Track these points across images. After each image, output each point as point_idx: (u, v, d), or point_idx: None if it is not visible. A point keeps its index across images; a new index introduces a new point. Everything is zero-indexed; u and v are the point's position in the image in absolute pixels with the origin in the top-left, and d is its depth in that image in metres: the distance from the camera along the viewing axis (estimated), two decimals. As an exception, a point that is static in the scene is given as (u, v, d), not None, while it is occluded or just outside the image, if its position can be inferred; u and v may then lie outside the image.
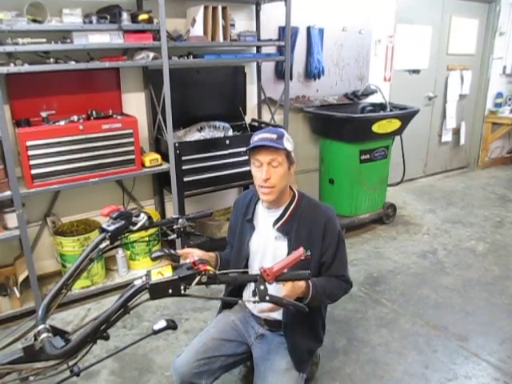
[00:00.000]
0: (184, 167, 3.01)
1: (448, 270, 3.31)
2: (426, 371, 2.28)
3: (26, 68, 2.39)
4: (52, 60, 2.50)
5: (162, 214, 3.46)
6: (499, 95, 5.86)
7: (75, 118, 2.70)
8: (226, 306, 2.01)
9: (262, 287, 1.19)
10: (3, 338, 1.14)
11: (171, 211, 3.23)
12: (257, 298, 1.19)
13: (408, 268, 3.36)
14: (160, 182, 3.37)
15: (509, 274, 3.24)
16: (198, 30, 2.96)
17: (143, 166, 2.92)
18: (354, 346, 2.47)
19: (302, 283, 1.56)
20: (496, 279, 3.17)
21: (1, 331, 2.57)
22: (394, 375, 2.25)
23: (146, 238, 2.94)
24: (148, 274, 1.14)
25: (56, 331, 1.07)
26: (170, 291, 1.13)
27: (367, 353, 2.42)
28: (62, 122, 2.63)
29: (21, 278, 2.66)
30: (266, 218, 1.81)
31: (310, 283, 1.60)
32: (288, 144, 1.68)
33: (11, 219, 2.55)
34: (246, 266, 1.82)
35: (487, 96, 5.78)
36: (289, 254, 1.69)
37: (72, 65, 2.53)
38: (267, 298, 1.19)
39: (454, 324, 2.66)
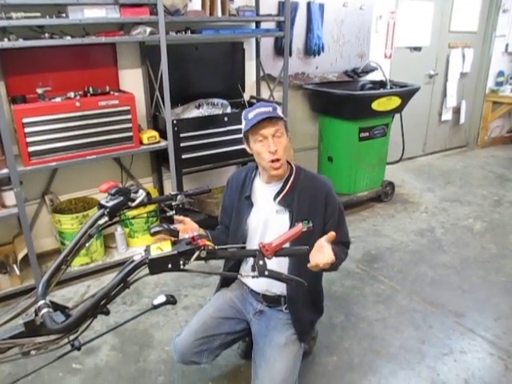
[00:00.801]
0: (182, 144, 2.99)
1: (445, 248, 3.33)
2: (422, 346, 2.31)
3: (21, 43, 2.34)
4: (47, 35, 2.44)
5: (161, 191, 3.44)
6: (500, 74, 5.78)
7: (72, 94, 2.67)
8: (225, 284, 2.02)
9: (261, 262, 1.19)
10: (4, 315, 1.14)
11: (169, 189, 3.22)
12: (256, 273, 1.19)
13: (406, 246, 3.38)
14: (158, 159, 3.35)
15: (505, 253, 3.26)
16: (195, 5, 2.91)
17: (141, 143, 2.89)
18: (352, 322, 2.50)
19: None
20: (493, 257, 3.20)
21: (1, 308, 2.59)
22: (390, 350, 2.29)
23: (145, 215, 2.94)
24: (147, 249, 1.14)
25: (56, 306, 1.08)
26: (170, 266, 1.13)
27: (364, 328, 2.45)
28: (59, 99, 2.60)
29: (20, 256, 2.67)
30: (265, 193, 1.81)
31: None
32: (281, 114, 1.71)
33: (9, 197, 2.54)
34: (245, 244, 1.82)
35: (488, 74, 5.70)
36: (291, 226, 1.70)
37: (67, 40, 2.48)
38: (266, 272, 1.20)
39: (451, 301, 2.69)
